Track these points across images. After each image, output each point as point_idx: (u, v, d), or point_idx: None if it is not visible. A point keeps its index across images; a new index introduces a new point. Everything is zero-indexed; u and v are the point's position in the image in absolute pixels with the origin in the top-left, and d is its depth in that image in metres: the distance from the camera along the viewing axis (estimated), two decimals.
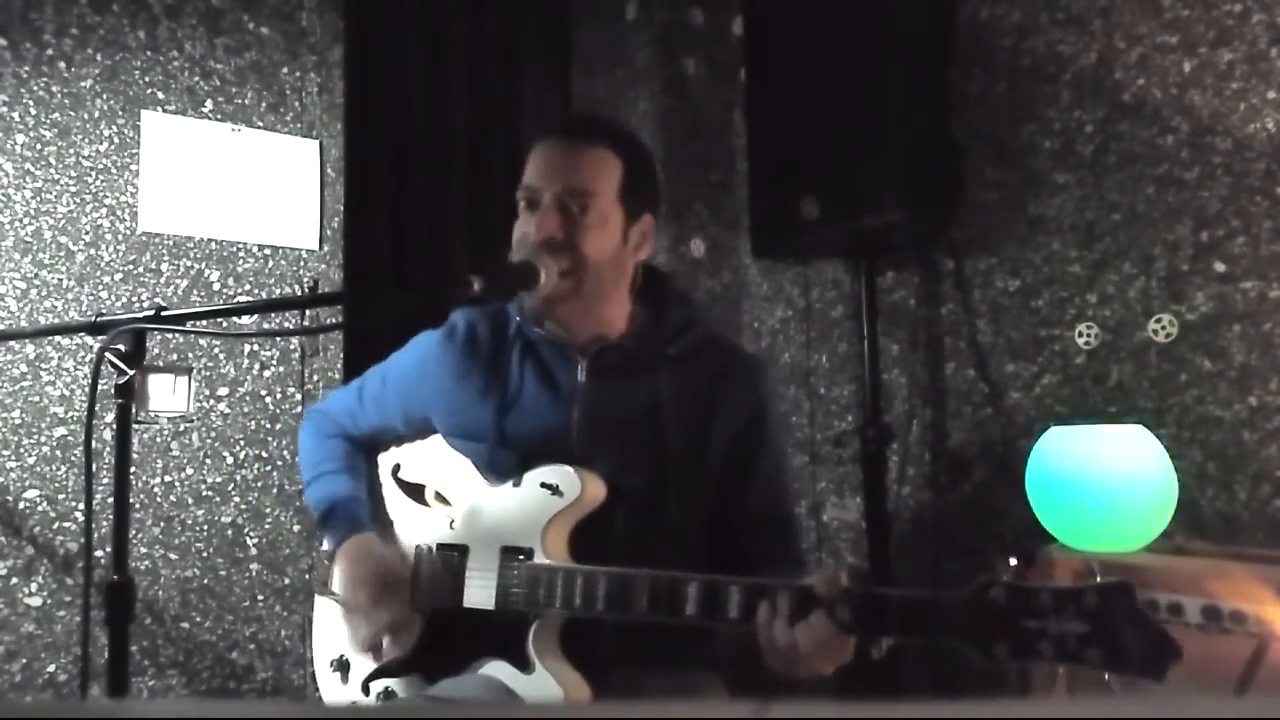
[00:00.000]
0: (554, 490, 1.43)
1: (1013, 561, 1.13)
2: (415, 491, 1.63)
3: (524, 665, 1.40)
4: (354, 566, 1.53)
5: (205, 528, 2.41)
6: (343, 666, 1.59)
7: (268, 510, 2.47)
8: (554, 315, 1.52)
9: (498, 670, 1.43)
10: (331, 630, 1.63)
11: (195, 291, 2.43)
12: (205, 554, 2.40)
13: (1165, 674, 1.02)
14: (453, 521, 1.54)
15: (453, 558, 1.51)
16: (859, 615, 1.18)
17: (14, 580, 2.20)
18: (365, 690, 1.55)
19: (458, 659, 1.47)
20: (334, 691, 1.59)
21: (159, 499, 2.36)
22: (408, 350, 1.68)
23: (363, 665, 1.57)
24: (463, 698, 1.41)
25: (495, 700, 1.37)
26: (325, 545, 1.69)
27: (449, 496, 1.58)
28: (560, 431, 1.50)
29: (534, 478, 1.46)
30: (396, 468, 1.66)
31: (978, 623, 1.10)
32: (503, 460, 1.50)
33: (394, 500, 1.66)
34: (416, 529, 1.59)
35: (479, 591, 1.47)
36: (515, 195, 1.52)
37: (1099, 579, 1.07)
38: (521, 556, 1.43)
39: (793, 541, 1.60)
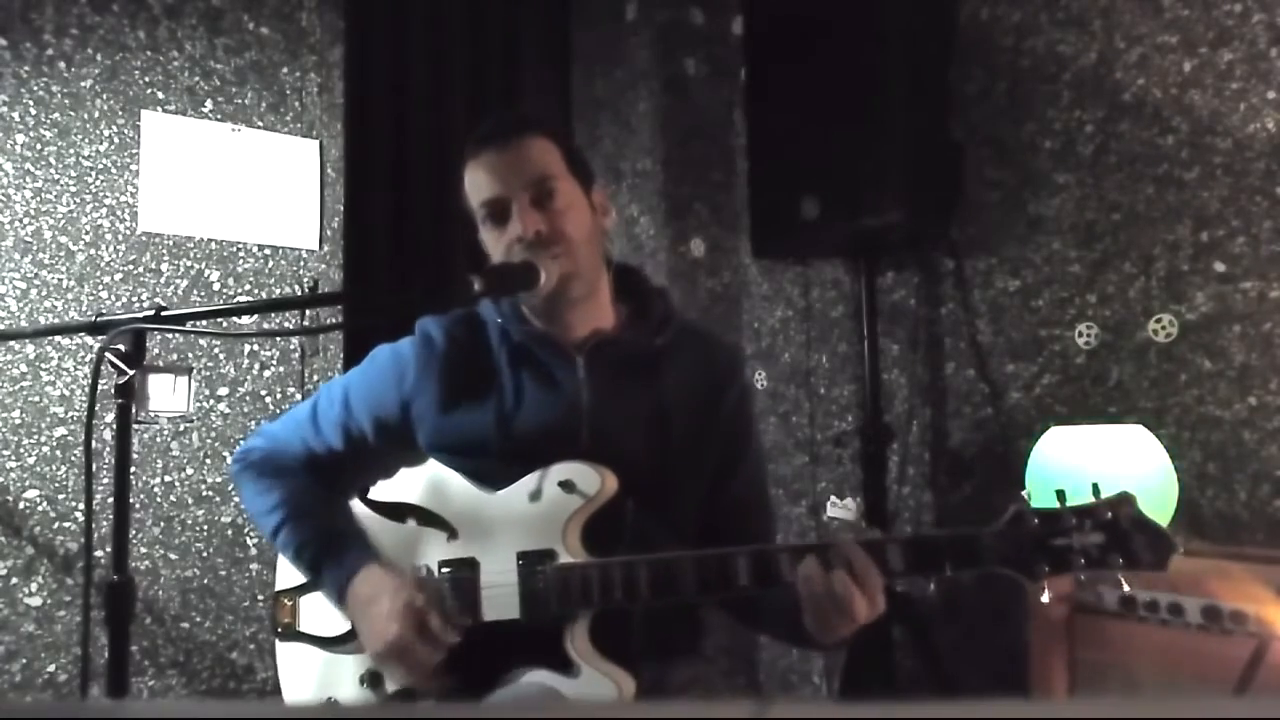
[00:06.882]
0: (572, 488, 1.40)
1: (1026, 493, 1.28)
2: (392, 511, 1.52)
3: (567, 669, 1.36)
4: (383, 601, 1.40)
5: (205, 528, 2.41)
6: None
7: None
8: (556, 310, 1.50)
9: (539, 679, 1.37)
10: (309, 676, 1.53)
11: (195, 291, 2.43)
12: (205, 554, 2.40)
13: (1168, 564, 1.23)
14: (450, 536, 1.47)
15: (462, 573, 1.43)
16: (911, 559, 1.28)
17: (14, 580, 2.20)
18: None
19: (486, 677, 1.40)
20: None
21: (159, 499, 2.36)
22: (370, 366, 1.59)
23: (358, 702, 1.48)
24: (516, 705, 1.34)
25: (552, 706, 1.31)
26: (283, 585, 1.57)
27: (441, 510, 1.48)
28: (569, 430, 1.47)
29: (549, 478, 1.41)
30: (364, 489, 1.55)
31: (1017, 548, 1.25)
32: (509, 466, 1.45)
33: (370, 524, 1.53)
34: (406, 550, 1.48)
35: (499, 602, 1.41)
36: (473, 214, 1.51)
37: (1103, 495, 1.26)
38: (543, 559, 1.39)
39: (772, 523, 1.66)
